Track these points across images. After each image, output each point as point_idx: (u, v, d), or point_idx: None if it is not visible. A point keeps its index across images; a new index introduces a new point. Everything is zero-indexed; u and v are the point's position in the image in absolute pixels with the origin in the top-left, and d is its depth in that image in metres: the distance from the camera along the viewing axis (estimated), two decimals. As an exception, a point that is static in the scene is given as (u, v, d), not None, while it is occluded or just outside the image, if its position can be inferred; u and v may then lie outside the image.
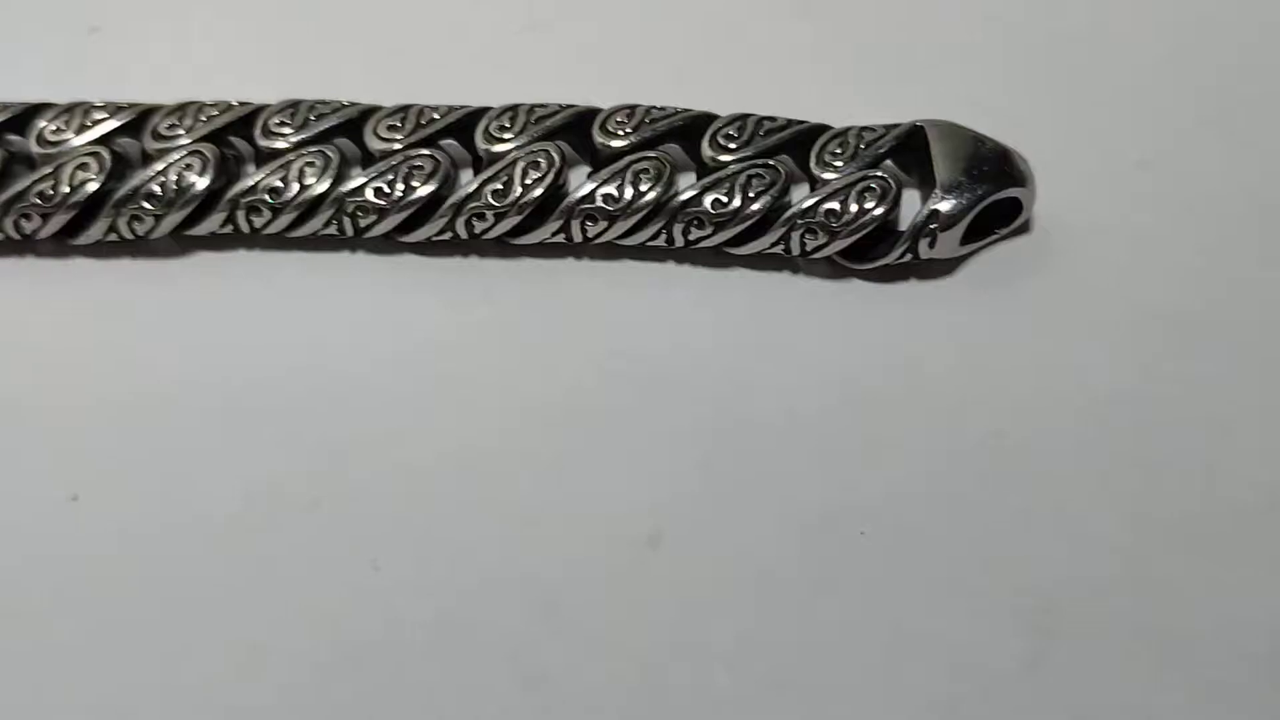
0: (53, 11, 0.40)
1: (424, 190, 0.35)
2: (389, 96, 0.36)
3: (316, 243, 0.36)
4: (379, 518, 0.33)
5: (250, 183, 0.35)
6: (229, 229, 0.35)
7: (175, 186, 0.35)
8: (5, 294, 0.35)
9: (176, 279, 0.36)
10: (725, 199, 0.34)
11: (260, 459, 0.33)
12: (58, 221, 0.35)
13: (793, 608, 0.32)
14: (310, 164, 0.35)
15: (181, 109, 0.36)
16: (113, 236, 0.35)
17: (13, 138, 0.36)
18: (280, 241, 0.36)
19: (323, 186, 0.35)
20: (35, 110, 0.36)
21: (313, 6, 0.41)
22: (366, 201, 0.35)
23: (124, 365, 0.34)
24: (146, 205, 0.35)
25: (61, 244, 0.36)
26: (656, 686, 0.31)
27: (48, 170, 0.35)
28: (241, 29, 0.40)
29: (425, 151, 0.35)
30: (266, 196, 0.35)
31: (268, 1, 0.41)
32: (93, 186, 0.35)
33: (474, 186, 0.35)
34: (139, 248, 0.36)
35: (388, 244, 0.36)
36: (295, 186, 0.35)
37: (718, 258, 0.36)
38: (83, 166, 0.35)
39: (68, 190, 0.35)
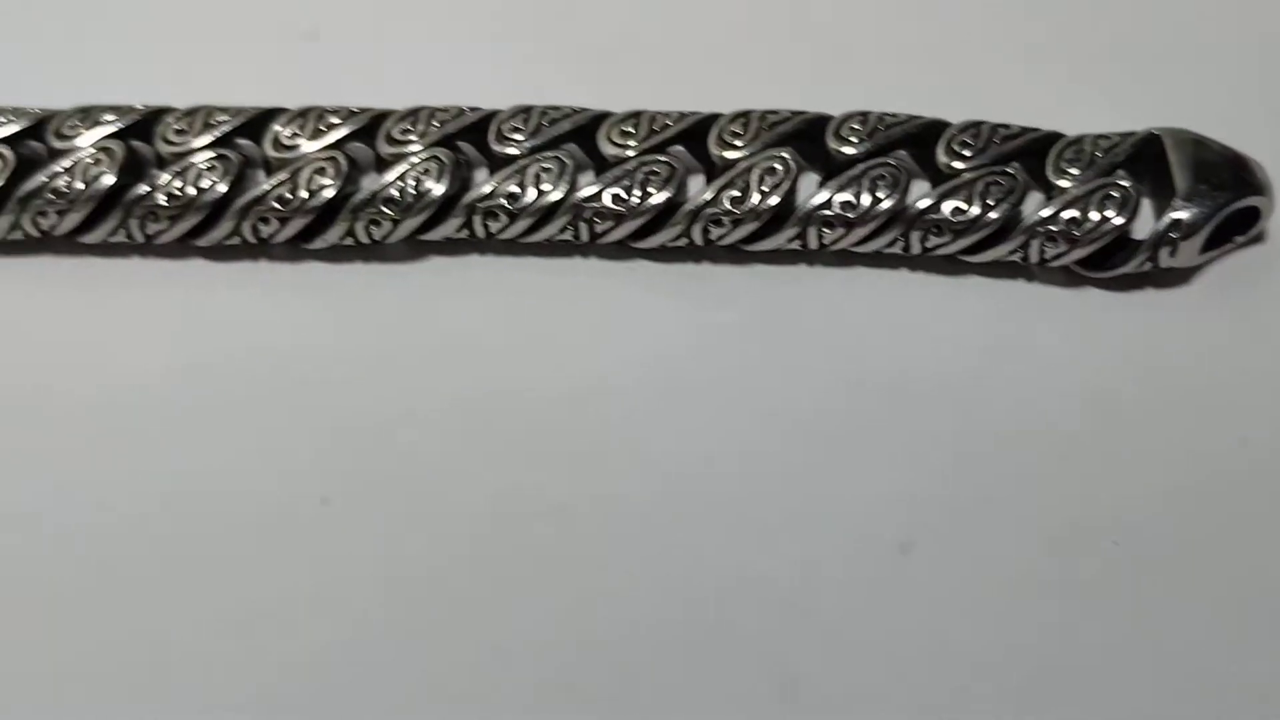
0: (268, 18, 0.40)
1: (660, 197, 0.35)
2: (598, 101, 0.37)
3: (548, 248, 0.36)
4: (625, 521, 0.33)
5: (488, 189, 0.35)
6: (464, 234, 0.35)
7: (414, 192, 0.35)
8: (241, 298, 0.36)
9: (411, 283, 0.36)
10: (965, 206, 0.34)
11: (501, 464, 0.34)
12: (295, 226, 0.35)
13: (1044, 617, 0.32)
14: (546, 169, 0.35)
15: (413, 114, 0.36)
16: (348, 241, 0.35)
17: (243, 142, 0.36)
18: (511, 247, 0.36)
19: (559, 193, 0.35)
20: (268, 115, 0.36)
21: (504, 11, 0.41)
22: (604, 207, 0.35)
23: (363, 369, 0.35)
24: (385, 210, 0.35)
25: (295, 248, 0.36)
26: (908, 692, 0.31)
27: (284, 175, 0.35)
28: (441, 33, 0.40)
29: (661, 158, 0.35)
30: (504, 202, 0.35)
31: (468, 6, 0.41)
32: (330, 192, 0.35)
33: (712, 193, 0.35)
34: (372, 251, 0.36)
35: (618, 249, 0.36)
36: (533, 192, 0.35)
37: (950, 265, 0.35)
38: (320, 171, 0.35)
39: (306, 195, 0.35)
